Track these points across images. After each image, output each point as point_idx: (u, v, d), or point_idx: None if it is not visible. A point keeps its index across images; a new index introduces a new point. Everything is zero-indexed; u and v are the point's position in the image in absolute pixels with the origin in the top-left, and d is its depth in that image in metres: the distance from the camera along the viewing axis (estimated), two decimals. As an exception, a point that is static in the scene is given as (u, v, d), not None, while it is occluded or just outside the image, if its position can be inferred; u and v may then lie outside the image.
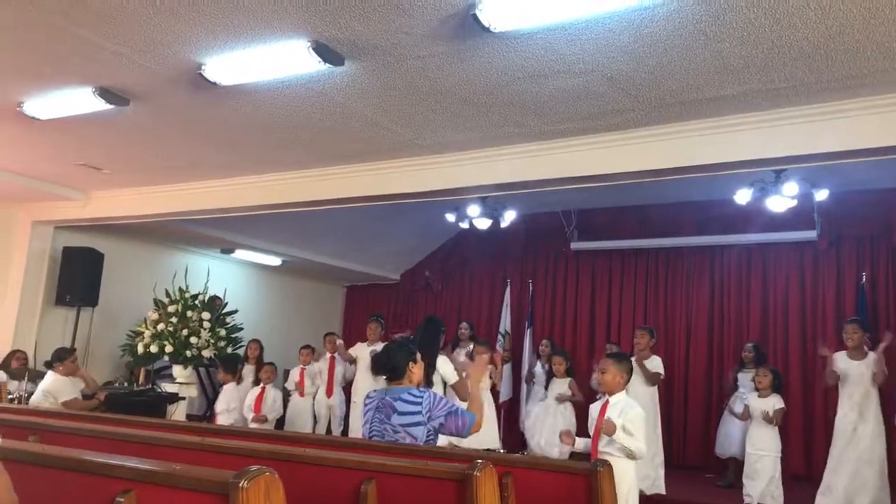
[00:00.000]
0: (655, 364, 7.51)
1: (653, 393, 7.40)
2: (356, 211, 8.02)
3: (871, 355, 6.62)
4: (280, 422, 9.19)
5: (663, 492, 7.16)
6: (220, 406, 8.67)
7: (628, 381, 4.64)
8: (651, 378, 7.47)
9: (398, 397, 3.84)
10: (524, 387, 10.19)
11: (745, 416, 6.98)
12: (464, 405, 4.19)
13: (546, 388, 8.52)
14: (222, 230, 9.86)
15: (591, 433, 4.61)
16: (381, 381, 4.06)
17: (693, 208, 9.94)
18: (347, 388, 9.54)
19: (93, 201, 8.97)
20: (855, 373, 6.55)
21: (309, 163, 7.06)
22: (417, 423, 3.75)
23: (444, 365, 5.82)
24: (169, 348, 8.99)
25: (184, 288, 9.50)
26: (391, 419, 3.76)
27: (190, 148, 6.82)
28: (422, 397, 3.83)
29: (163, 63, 4.81)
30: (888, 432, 6.68)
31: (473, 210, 9.44)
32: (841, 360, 6.71)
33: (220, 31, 4.30)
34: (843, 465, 6.45)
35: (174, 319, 9.12)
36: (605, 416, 4.51)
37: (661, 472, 7.28)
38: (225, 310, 9.84)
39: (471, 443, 6.61)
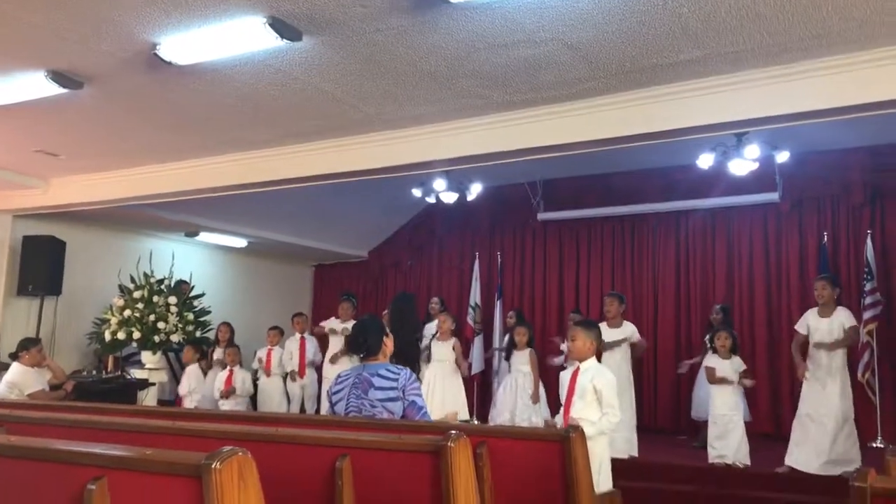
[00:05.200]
0: (629, 331, 7.57)
1: (625, 358, 7.46)
2: (321, 189, 7.96)
3: (841, 312, 6.71)
4: (252, 404, 9.17)
5: (636, 454, 7.25)
6: (183, 389, 8.63)
7: (597, 347, 4.67)
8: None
9: (375, 373, 3.88)
10: (496, 359, 10.25)
11: (711, 377, 7.08)
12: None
13: (508, 360, 8.48)
14: (185, 213, 9.74)
15: (563, 401, 4.64)
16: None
17: (657, 175, 10.01)
18: (319, 369, 9.56)
19: (52, 188, 8.80)
20: (824, 330, 6.65)
21: (271, 141, 6.98)
22: (394, 399, 3.79)
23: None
24: (137, 334, 8.90)
25: (149, 273, 9.38)
26: (368, 394, 3.80)
27: (148, 130, 6.70)
28: (399, 374, 3.87)
29: (116, 44, 4.70)
30: (854, 388, 6.82)
31: (439, 184, 9.42)
32: (810, 318, 6.82)
33: (174, 10, 4.22)
34: (811, 423, 6.58)
35: (140, 305, 9.02)
36: (577, 388, 4.56)
37: (634, 435, 7.37)
38: (192, 293, 9.75)
39: (440, 414, 6.65)
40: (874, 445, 8.16)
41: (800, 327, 6.86)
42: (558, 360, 8.72)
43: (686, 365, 8.85)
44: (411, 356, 5.14)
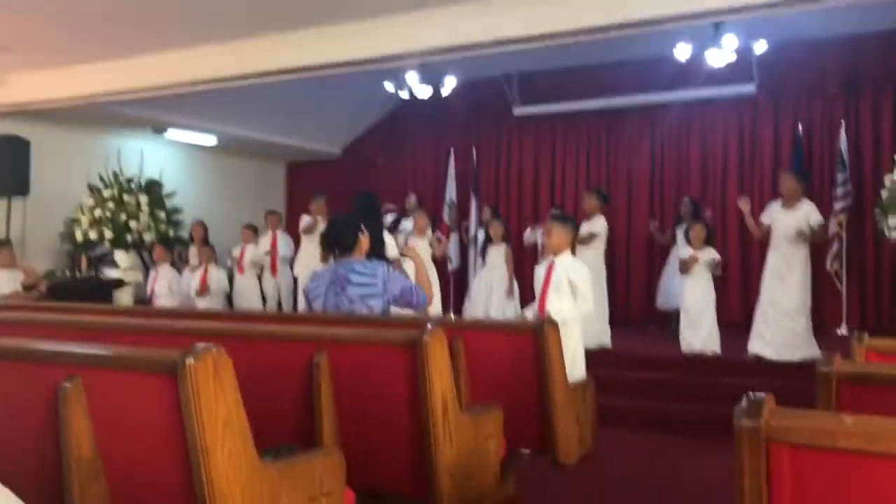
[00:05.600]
0: (597, 224, 7.56)
1: (598, 252, 7.53)
2: (291, 84, 7.76)
3: (805, 205, 6.78)
4: (228, 303, 9.21)
5: (609, 345, 7.42)
6: (161, 288, 8.58)
7: (573, 241, 4.70)
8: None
9: (351, 269, 3.87)
10: (472, 254, 10.30)
11: (684, 268, 7.19)
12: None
13: (483, 255, 8.50)
14: (153, 109, 9.48)
15: (538, 294, 4.70)
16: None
17: (634, 68, 9.86)
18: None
19: (10, 85, 8.51)
20: (785, 222, 6.73)
21: (238, 33, 6.75)
22: (374, 295, 3.81)
23: (387, 237, 5.84)
24: (109, 234, 8.82)
25: (118, 172, 9.22)
26: (346, 291, 3.80)
27: (103, 21, 6.43)
28: (376, 270, 3.88)
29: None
30: (822, 277, 6.95)
31: (412, 78, 9.21)
32: (773, 210, 6.89)
33: None
34: (771, 313, 6.74)
35: (111, 205, 8.91)
36: (552, 277, 4.61)
37: (607, 326, 7.53)
38: (163, 192, 9.63)
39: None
40: (839, 332, 8.41)
41: (764, 217, 6.93)
42: (527, 234, 8.97)
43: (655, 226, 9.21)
44: (377, 256, 5.22)
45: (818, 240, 6.90)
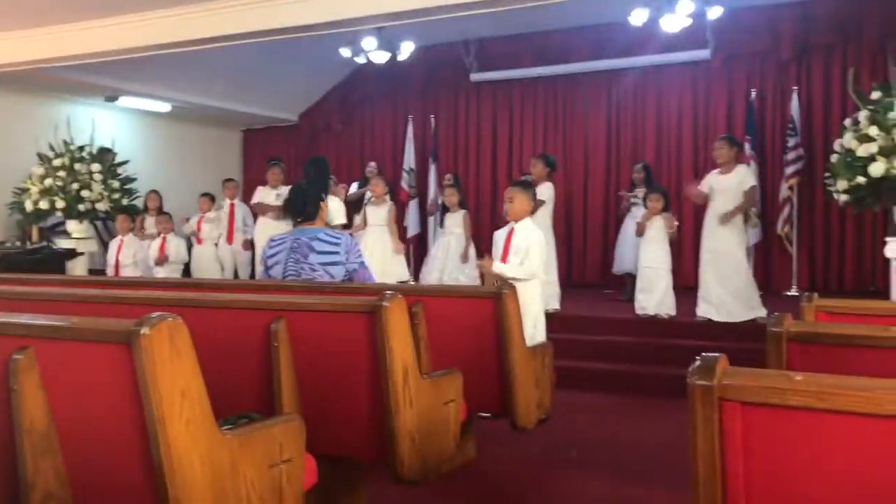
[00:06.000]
0: (544, 191, 7.40)
1: (545, 219, 7.38)
2: (244, 49, 7.63)
3: (741, 170, 6.88)
4: (186, 272, 9.10)
5: (558, 308, 7.43)
6: (125, 258, 8.46)
7: (534, 208, 4.72)
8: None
9: (315, 237, 3.88)
10: (431, 221, 10.30)
11: (639, 232, 7.27)
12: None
13: (441, 223, 8.45)
14: (104, 76, 9.25)
15: (498, 259, 4.73)
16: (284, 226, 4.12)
17: (590, 33, 9.89)
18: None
19: (-48, 50, 8.22)
20: (722, 187, 6.82)
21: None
22: (336, 263, 3.83)
23: (335, 204, 5.75)
24: (60, 204, 8.63)
25: (68, 140, 9.00)
26: (308, 258, 3.81)
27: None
28: (340, 238, 3.92)
29: None
30: (773, 240, 7.05)
31: (369, 43, 9.10)
32: (710, 177, 6.98)
33: None
34: (712, 274, 6.84)
35: (62, 174, 8.70)
36: (512, 243, 4.64)
37: (557, 290, 7.55)
38: (116, 161, 9.43)
39: (381, 277, 6.70)
40: (789, 294, 8.60)
41: (703, 186, 7.02)
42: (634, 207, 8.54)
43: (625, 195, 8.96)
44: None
45: (748, 205, 6.97)
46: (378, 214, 8.14)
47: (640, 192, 8.18)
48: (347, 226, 7.37)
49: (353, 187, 10.11)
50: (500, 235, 4.85)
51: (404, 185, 10.72)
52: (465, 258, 8.10)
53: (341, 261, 3.83)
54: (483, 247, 8.15)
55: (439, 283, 7.62)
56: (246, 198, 9.98)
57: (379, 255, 7.83)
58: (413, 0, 5.98)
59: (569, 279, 8.02)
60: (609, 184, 10.36)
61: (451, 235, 8.26)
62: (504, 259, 4.64)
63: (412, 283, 8.28)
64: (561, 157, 10.06)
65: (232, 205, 9.45)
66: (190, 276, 9.02)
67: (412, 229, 10.70)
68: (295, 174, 10.75)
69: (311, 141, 12.56)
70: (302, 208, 3.91)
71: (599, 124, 10.47)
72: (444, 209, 8.44)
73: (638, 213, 7.72)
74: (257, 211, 8.80)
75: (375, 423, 2.83)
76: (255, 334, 2.87)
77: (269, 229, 8.03)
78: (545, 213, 7.38)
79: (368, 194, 8.45)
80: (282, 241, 3.94)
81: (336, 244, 3.86)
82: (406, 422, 2.79)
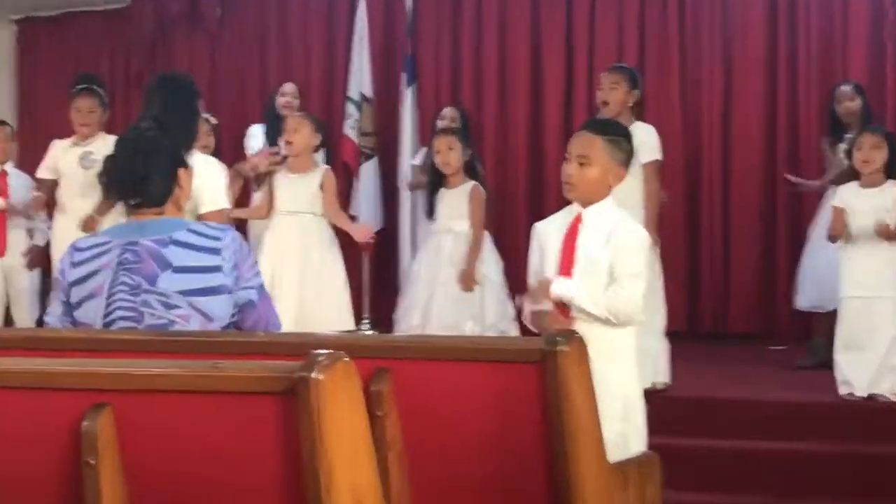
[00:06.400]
0: (645, 138, 4.16)
1: (640, 195, 4.20)
2: None
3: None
4: None
5: (668, 381, 4.21)
6: None
7: (621, 177, 2.68)
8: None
9: (169, 237, 2.08)
10: (405, 204, 6.13)
11: (837, 231, 4.10)
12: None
13: (430, 210, 4.72)
14: None
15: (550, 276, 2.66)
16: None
17: None
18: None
19: None
20: None
21: None
22: (214, 290, 2.07)
23: (205, 168, 3.08)
24: None
25: None
26: (157, 282, 2.05)
27: None
28: (220, 239, 2.11)
29: None
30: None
31: None
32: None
33: None
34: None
35: None
36: (580, 246, 2.64)
37: (665, 345, 4.25)
38: None
39: (304, 323, 4.20)
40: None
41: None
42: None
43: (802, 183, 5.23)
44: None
45: None
46: (301, 192, 4.49)
47: (844, 145, 4.55)
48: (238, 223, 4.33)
49: (253, 143, 5.46)
50: (551, 229, 2.72)
51: (350, 131, 6.15)
52: (470, 279, 4.47)
53: (223, 284, 2.07)
54: (514, 256, 4.60)
55: (424, 333, 4.26)
56: (29, 160, 5.25)
57: (294, 280, 4.38)
58: None
59: (690, 323, 5.50)
60: (775, 140, 5.87)
61: (446, 234, 4.60)
62: (564, 274, 2.59)
63: (367, 332, 5.24)
64: (674, 79, 5.98)
65: (2, 174, 5.16)
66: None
67: (368, 220, 5.82)
68: (126, 112, 6.34)
69: (154, 42, 6.97)
70: (140, 181, 2.10)
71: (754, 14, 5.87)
72: (435, 180, 4.70)
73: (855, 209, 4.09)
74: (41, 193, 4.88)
75: None
76: (46, 442, 1.44)
77: (75, 228, 4.33)
78: (638, 187, 4.09)
79: (281, 148, 4.77)
80: (99, 250, 2.11)
81: (213, 249, 2.08)
82: None
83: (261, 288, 2.17)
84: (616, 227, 2.57)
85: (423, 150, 5.66)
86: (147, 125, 2.25)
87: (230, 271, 2.06)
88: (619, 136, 2.67)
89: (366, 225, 5.13)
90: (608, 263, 2.52)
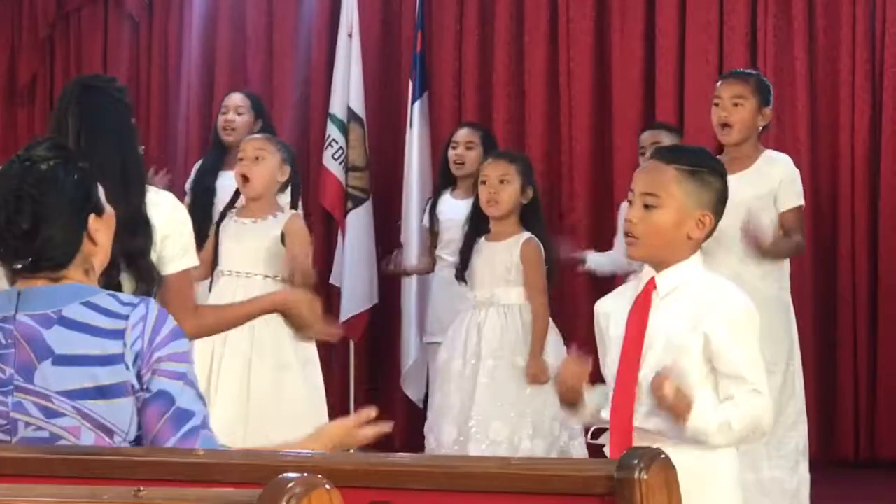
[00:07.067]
0: (786, 175, 3.30)
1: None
2: None
3: None
4: None
5: None
6: None
7: (707, 225, 1.85)
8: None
9: (57, 315, 1.51)
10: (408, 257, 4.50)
11: None
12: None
13: (464, 272, 3.46)
14: None
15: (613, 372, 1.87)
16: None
17: None
18: None
19: None
20: None
21: None
22: (112, 390, 1.47)
23: (172, 212, 2.11)
24: None
25: None
26: (35, 378, 1.47)
27: None
28: (128, 315, 1.49)
29: None
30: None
31: None
32: None
33: None
34: None
35: None
36: (653, 326, 1.84)
37: (804, 465, 3.21)
38: None
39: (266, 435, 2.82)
40: None
41: None
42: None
43: None
44: (141, 267, 1.95)
45: None
46: (251, 239, 3.33)
47: None
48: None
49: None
50: (617, 308, 1.91)
51: (333, 163, 4.56)
52: (541, 372, 3.32)
53: (124, 382, 1.46)
54: (573, 326, 3.72)
55: (463, 453, 3.13)
56: None
57: (236, 380, 3.23)
58: None
59: (824, 447, 4.14)
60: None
61: (489, 308, 3.41)
62: (629, 367, 1.76)
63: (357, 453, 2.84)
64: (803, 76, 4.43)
65: None
66: None
67: (355, 292, 4.46)
68: (8, 131, 5.10)
69: (56, 31, 5.37)
70: (25, 235, 1.50)
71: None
72: (476, 229, 3.49)
73: None
74: None
75: None
76: None
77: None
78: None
79: (231, 181, 3.54)
80: None
81: (115, 334, 1.48)
82: None
83: (183, 377, 1.52)
84: (710, 300, 1.81)
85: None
86: (42, 153, 1.59)
87: (132, 360, 1.47)
88: (703, 168, 1.88)
89: (335, 324, 3.34)
90: (700, 354, 1.75)
